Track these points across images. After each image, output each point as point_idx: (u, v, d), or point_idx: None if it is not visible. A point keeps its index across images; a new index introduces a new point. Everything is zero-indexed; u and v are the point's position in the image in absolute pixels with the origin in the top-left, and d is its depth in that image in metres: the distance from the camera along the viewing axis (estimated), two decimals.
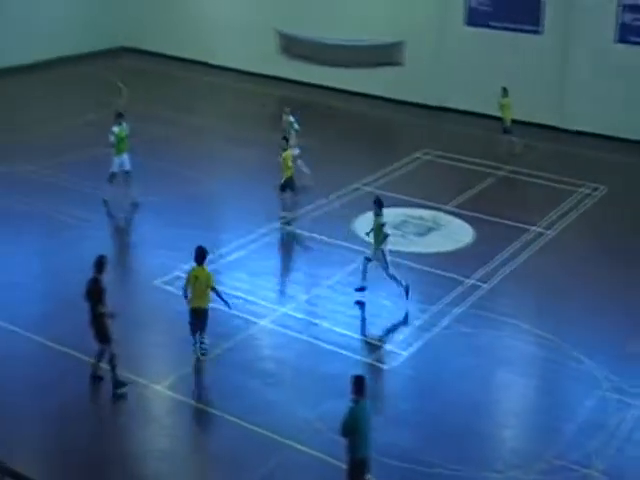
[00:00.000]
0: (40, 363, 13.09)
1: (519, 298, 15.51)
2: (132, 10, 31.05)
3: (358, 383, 9.57)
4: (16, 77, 24.42)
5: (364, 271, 15.09)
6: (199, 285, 12.83)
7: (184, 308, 14.42)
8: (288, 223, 17.61)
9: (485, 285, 15.60)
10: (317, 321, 14.40)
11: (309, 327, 14.22)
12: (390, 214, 18.36)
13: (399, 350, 13.61)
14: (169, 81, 28.03)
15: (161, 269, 15.77)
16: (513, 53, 24.51)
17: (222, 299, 13.00)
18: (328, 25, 27.03)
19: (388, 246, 15.02)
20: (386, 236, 14.82)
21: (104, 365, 12.43)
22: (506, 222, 18.27)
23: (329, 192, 19.34)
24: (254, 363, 13.28)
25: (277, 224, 17.75)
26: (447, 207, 18.95)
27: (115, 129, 18.28)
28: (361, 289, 15.12)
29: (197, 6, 29.73)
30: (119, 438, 11.71)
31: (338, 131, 23.98)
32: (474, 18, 25.08)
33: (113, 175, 18.40)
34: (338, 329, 14.12)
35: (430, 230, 18.01)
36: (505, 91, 21.91)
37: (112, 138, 18.25)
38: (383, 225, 14.77)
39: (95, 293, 12.13)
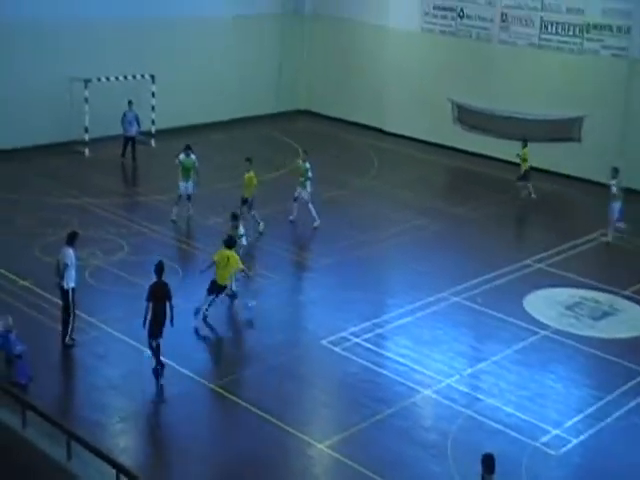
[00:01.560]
0: (211, 410, 13.57)
1: None
2: (310, 75, 32.34)
3: (486, 462, 9.98)
4: (194, 135, 25.78)
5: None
6: (229, 266, 15.82)
7: (351, 370, 14.75)
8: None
9: None
10: (482, 397, 14.12)
11: (474, 402, 13.95)
12: (564, 294, 18.08)
13: (568, 436, 13.10)
14: (342, 144, 28.75)
15: (329, 329, 16.02)
16: None
17: (247, 274, 16.47)
18: (504, 97, 27.01)
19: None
20: (241, 246, 17.08)
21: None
22: None
23: (499, 266, 19.08)
24: (416, 432, 13.17)
25: (445, 294, 17.68)
26: (625, 292, 18.22)
27: (181, 157, 20.84)
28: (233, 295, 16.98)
29: (373, 73, 30.50)
30: None
31: (511, 205, 23.71)
32: None
33: (179, 197, 20.83)
34: (504, 407, 13.78)
35: (606, 314, 17.35)
36: (525, 143, 23.84)
37: (177, 162, 20.85)
38: (241, 236, 17.16)
39: (167, 294, 13.79)
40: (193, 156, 21.01)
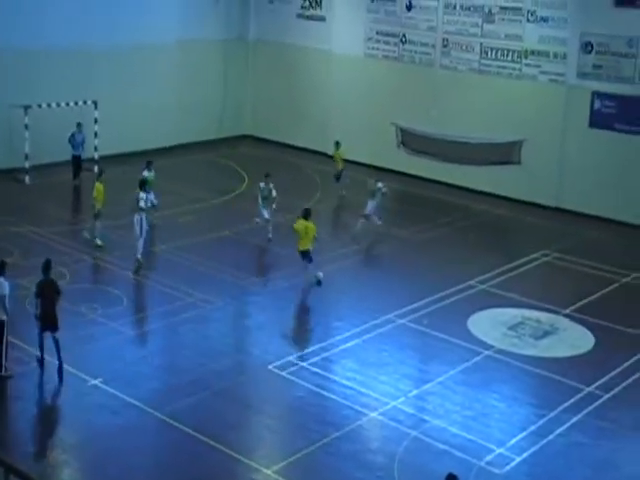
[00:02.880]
0: (158, 439, 13.42)
1: None
2: (255, 100, 32.50)
3: None
4: (137, 162, 25.46)
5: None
6: (309, 233, 18.56)
7: (298, 394, 14.76)
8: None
9: (605, 394, 15.10)
10: (428, 418, 14.22)
11: (420, 423, 14.04)
12: (506, 314, 18.36)
13: (512, 454, 13.25)
14: (287, 169, 28.82)
15: (275, 354, 16.01)
16: (638, 157, 24.21)
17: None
18: (447, 121, 27.47)
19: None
20: (141, 209, 19.54)
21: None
22: (629, 331, 17.74)
23: (444, 288, 19.30)
24: (363, 455, 13.18)
25: (391, 316, 17.81)
26: (566, 311, 18.55)
27: (145, 173, 22.08)
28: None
29: (317, 98, 30.76)
30: None
31: (454, 227, 24.04)
32: (598, 120, 24.98)
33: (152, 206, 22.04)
34: (450, 428, 13.89)
35: (547, 334, 17.64)
36: (337, 144, 26.25)
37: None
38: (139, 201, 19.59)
39: (55, 290, 14.76)
40: (152, 171, 22.60)
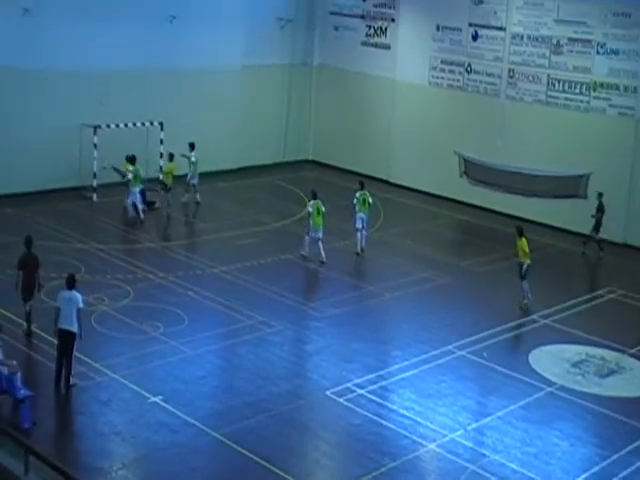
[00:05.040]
0: (215, 460, 13.44)
1: None
2: (317, 125, 32.74)
3: None
4: (200, 183, 25.90)
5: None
6: (523, 247, 20.24)
7: (355, 422, 14.70)
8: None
9: None
10: (486, 452, 13.98)
11: (478, 457, 13.81)
12: (570, 351, 18.02)
13: None
14: (348, 195, 28.73)
15: (334, 380, 15.98)
16: None
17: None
18: (511, 152, 27.24)
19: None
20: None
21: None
22: None
23: (505, 321, 19.06)
24: None
25: (450, 347, 17.62)
26: (632, 350, 18.10)
27: (193, 156, 25.80)
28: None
29: (380, 125, 30.81)
30: None
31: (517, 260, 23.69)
32: None
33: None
34: (509, 464, 13.63)
35: (612, 372, 17.24)
36: (171, 157, 26.00)
37: (190, 161, 25.72)
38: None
39: (36, 263, 16.05)
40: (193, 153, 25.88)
